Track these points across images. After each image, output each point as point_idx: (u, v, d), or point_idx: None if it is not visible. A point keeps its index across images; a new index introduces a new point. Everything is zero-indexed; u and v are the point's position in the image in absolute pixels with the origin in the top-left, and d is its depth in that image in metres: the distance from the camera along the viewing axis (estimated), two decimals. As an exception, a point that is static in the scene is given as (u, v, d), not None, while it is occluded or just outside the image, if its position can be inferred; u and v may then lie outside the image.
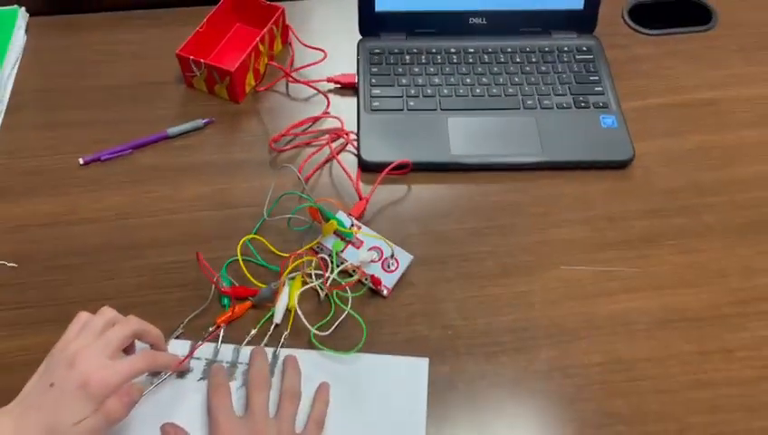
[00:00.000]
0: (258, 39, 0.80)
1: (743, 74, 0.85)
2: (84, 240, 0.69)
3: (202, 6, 0.86)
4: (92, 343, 0.51)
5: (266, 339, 0.63)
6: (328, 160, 0.76)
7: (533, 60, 0.84)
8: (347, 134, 0.78)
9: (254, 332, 0.63)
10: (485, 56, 0.84)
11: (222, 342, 0.62)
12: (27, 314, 0.64)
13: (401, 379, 0.61)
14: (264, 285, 0.65)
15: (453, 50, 0.85)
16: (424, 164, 0.75)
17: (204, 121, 0.79)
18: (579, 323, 0.64)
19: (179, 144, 0.77)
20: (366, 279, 0.66)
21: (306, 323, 0.61)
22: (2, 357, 0.61)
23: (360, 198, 0.72)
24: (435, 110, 0.79)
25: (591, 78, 0.83)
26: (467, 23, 0.85)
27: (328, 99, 0.81)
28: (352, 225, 0.68)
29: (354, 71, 0.83)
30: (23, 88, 0.82)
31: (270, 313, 0.64)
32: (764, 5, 0.93)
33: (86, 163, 0.75)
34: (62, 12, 0.91)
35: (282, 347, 0.62)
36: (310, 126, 0.79)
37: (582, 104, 0.80)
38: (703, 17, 0.92)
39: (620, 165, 0.76)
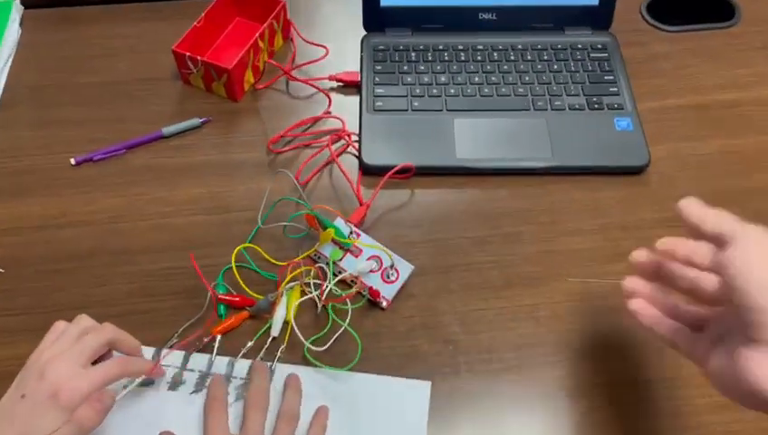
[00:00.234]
0: (258, 35, 0.77)
1: (767, 73, 0.81)
2: (75, 244, 0.67)
3: (202, -2, 0.83)
4: (65, 351, 0.50)
5: (263, 352, 0.61)
6: (328, 163, 0.73)
7: (545, 58, 0.80)
8: (348, 135, 0.75)
9: (250, 344, 0.61)
10: (495, 54, 0.81)
11: (217, 353, 0.60)
12: (15, 321, 0.62)
13: (401, 403, 0.58)
14: (260, 297, 0.62)
15: (461, 47, 0.81)
16: (428, 168, 0.72)
17: (200, 121, 0.76)
18: (588, 341, 0.61)
19: (175, 144, 0.75)
20: (364, 291, 0.63)
21: (301, 337, 0.59)
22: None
23: (361, 204, 0.69)
24: (440, 110, 0.76)
25: (606, 77, 0.79)
26: (476, 18, 0.82)
27: (329, 98, 0.78)
28: (351, 232, 0.65)
29: (358, 68, 0.80)
30: (16, 84, 0.80)
31: (267, 324, 0.62)
32: (791, 0, 0.89)
33: (78, 163, 0.73)
34: (58, 4, 0.88)
35: (278, 362, 0.60)
36: (310, 126, 0.76)
37: (596, 105, 0.76)
38: (725, 13, 0.88)
39: (635, 171, 0.72)
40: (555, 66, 0.79)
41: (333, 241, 0.64)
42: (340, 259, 0.64)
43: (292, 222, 0.65)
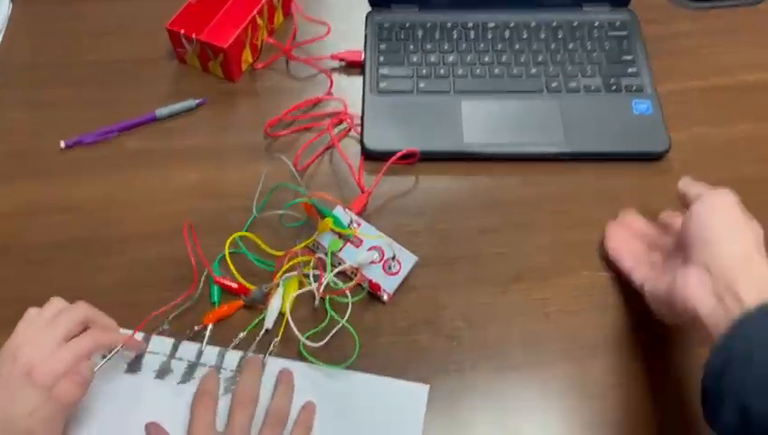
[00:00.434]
0: (256, 11, 0.73)
1: (796, 54, 0.76)
2: (62, 232, 0.64)
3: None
4: (37, 333, 0.50)
5: (255, 345, 0.58)
6: (328, 148, 0.69)
7: (560, 36, 0.76)
8: (350, 118, 0.71)
9: (242, 335, 0.58)
10: (506, 32, 0.76)
11: (207, 343, 0.58)
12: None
13: (397, 406, 0.55)
14: (254, 287, 0.59)
15: (470, 24, 0.77)
16: (434, 154, 0.68)
17: (196, 102, 0.72)
18: (601, 338, 0.58)
19: (168, 126, 0.72)
20: (365, 283, 0.60)
21: (296, 331, 0.56)
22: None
23: (362, 191, 0.65)
24: (448, 92, 0.72)
25: (624, 57, 0.74)
26: (487, -7, 0.77)
27: (331, 78, 0.74)
28: (351, 221, 0.62)
29: (361, 47, 0.76)
30: (6, 62, 0.77)
31: (261, 315, 0.59)
32: (823, -25, 0.83)
33: (68, 147, 0.69)
34: (52, -21, 0.85)
35: (270, 355, 0.57)
36: (310, 109, 0.73)
37: (613, 87, 0.72)
38: (753, -12, 0.83)
39: (654, 157, 0.68)
40: (571, 45, 0.75)
41: (333, 231, 0.61)
42: (340, 250, 0.61)
43: (289, 210, 0.62)
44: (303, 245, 0.61)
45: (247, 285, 0.60)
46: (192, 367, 0.57)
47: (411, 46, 0.75)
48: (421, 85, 0.73)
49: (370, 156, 0.68)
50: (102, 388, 0.55)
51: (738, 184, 0.66)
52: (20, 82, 0.76)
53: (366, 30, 0.77)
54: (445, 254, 0.63)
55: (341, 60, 0.76)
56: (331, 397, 0.55)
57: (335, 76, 0.74)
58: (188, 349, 0.58)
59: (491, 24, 0.77)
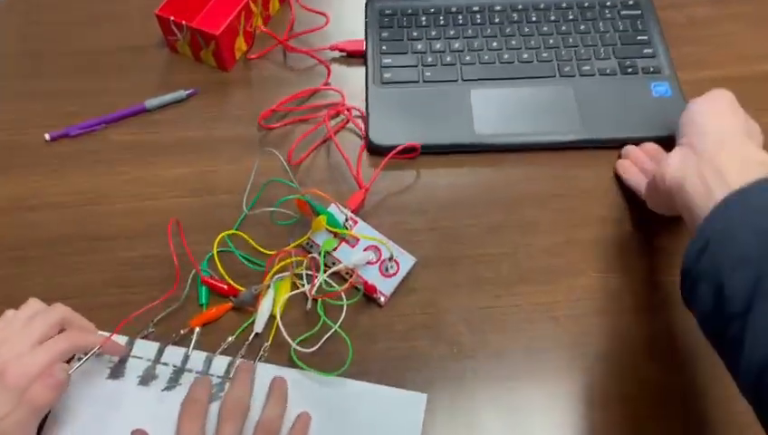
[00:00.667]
0: (249, -4, 0.69)
1: (821, 42, 0.71)
2: (46, 229, 0.62)
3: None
4: (12, 334, 0.49)
5: (244, 349, 0.55)
6: (325, 141, 0.66)
7: (571, 17, 0.72)
8: (348, 110, 0.67)
9: (231, 339, 0.55)
10: (515, 14, 0.72)
11: (194, 347, 0.55)
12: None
13: (392, 416, 0.52)
14: (244, 289, 0.56)
15: (476, 8, 0.73)
16: (444, 147, 0.64)
17: (186, 93, 0.69)
18: (612, 344, 0.54)
19: (158, 118, 0.68)
20: (359, 286, 0.56)
21: (287, 336, 0.53)
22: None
23: (360, 187, 0.62)
24: (455, 81, 0.68)
25: (639, 38, 0.70)
26: (494, -25, 0.73)
27: (329, 68, 0.70)
28: (347, 220, 0.58)
29: (362, 36, 0.72)
30: (-10, 51, 0.75)
31: (251, 318, 0.56)
32: None
33: (53, 139, 0.67)
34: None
35: (260, 361, 0.54)
36: (306, 100, 0.69)
37: (629, 70, 0.68)
38: (777, -30, 0.78)
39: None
40: (582, 27, 0.71)
41: (327, 229, 0.58)
42: (335, 249, 0.57)
43: (281, 207, 0.58)
44: (296, 244, 0.58)
45: (236, 286, 0.57)
46: (178, 372, 0.54)
47: (414, 33, 0.72)
48: (427, 74, 0.69)
49: (376, 151, 0.64)
50: (83, 392, 0.52)
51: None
52: (6, 71, 0.73)
53: (366, 17, 0.73)
54: (446, 254, 0.59)
55: (341, 50, 0.72)
56: (325, 407, 0.52)
57: (334, 67, 0.71)
58: (174, 353, 0.55)
59: (498, 7, 0.73)
